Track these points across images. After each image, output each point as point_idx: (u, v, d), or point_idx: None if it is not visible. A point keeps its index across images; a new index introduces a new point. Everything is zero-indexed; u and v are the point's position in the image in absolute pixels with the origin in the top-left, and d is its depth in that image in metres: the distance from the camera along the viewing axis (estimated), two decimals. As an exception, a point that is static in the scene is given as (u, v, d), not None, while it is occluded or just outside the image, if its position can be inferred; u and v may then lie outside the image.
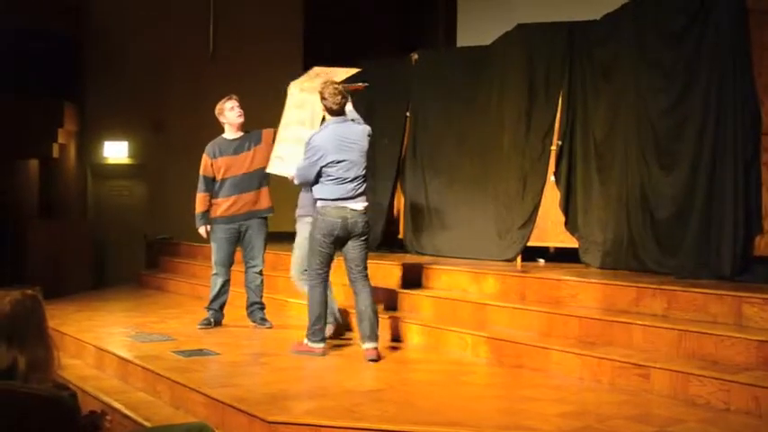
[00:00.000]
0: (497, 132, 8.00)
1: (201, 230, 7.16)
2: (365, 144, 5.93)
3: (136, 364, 5.84)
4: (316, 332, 5.93)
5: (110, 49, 12.20)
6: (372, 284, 7.24)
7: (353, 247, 5.90)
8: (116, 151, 12.56)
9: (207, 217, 7.13)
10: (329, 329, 6.36)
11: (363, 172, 5.88)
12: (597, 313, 5.78)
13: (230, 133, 7.14)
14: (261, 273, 7.19)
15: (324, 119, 6.11)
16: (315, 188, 5.89)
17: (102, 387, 5.81)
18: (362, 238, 5.90)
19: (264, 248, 7.17)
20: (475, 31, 9.75)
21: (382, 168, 9.26)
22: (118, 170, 12.67)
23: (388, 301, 7.12)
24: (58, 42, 11.68)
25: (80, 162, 12.46)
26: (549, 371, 5.46)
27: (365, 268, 5.97)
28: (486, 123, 8.16)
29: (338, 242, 5.86)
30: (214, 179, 7.10)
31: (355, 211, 5.82)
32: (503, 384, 5.27)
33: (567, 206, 7.41)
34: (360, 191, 5.86)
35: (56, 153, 11.62)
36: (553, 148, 7.49)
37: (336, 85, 5.93)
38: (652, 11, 6.77)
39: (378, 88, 9.41)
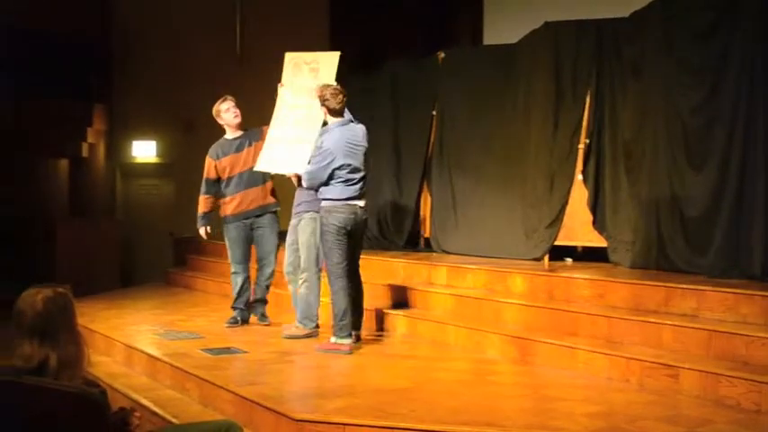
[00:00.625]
0: (524, 131, 7.96)
1: (202, 231, 7.23)
2: (366, 144, 6.16)
3: (164, 362, 5.87)
4: (342, 327, 5.99)
5: (138, 49, 12.29)
6: (397, 283, 7.28)
7: (357, 243, 6.18)
8: (144, 150, 12.64)
9: (208, 218, 7.20)
10: (291, 330, 6.49)
11: (365, 172, 6.15)
12: (626, 313, 5.73)
13: (230, 133, 7.20)
14: (272, 273, 7.22)
15: (325, 121, 6.23)
16: (323, 189, 6.06)
17: (131, 384, 5.85)
18: (362, 235, 6.26)
19: (278, 247, 7.19)
20: (502, 30, 9.70)
21: (408, 168, 9.28)
22: (146, 169, 12.74)
23: (414, 299, 7.12)
24: (87, 43, 11.78)
25: (109, 161, 12.56)
26: (577, 370, 5.42)
27: (358, 263, 6.28)
28: (513, 122, 8.12)
29: (348, 237, 6.05)
30: (218, 180, 7.15)
31: (362, 208, 6.11)
32: (529, 384, 5.24)
33: (595, 205, 7.35)
34: (364, 190, 6.13)
35: (85, 152, 11.73)
36: (581, 146, 7.44)
37: (336, 85, 6.13)
38: (680, 7, 6.69)
39: (404, 87, 9.48)
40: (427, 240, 9.08)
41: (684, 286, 5.69)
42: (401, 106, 9.48)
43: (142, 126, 12.41)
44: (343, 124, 6.10)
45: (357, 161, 6.07)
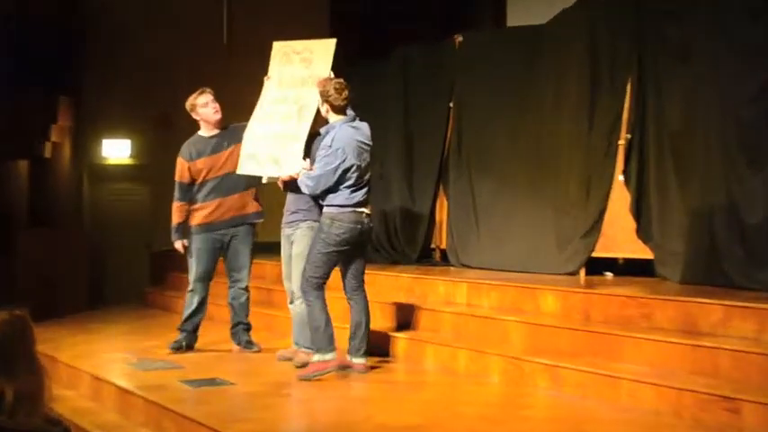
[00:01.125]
0: (556, 126, 7.96)
1: (178, 245, 7.23)
2: (371, 144, 6.26)
3: (138, 396, 5.83)
4: (325, 339, 6.08)
5: (111, 36, 12.28)
6: (409, 302, 7.27)
7: (360, 256, 6.30)
8: (117, 150, 12.64)
9: (183, 230, 7.21)
10: (301, 357, 6.46)
11: (369, 173, 6.27)
12: (676, 336, 5.67)
13: (206, 130, 7.21)
14: (247, 289, 7.26)
15: (325, 120, 6.26)
16: (330, 195, 6.11)
17: (99, 422, 5.81)
18: (367, 246, 6.41)
19: (251, 261, 7.25)
20: (528, 10, 9.71)
21: (421, 169, 9.32)
22: (118, 172, 12.74)
23: (429, 320, 7.12)
24: (52, 29, 11.77)
25: (76, 163, 12.55)
26: (620, 403, 5.37)
27: (363, 279, 6.40)
28: (542, 115, 8.13)
29: (349, 250, 6.18)
30: (192, 184, 7.16)
31: (368, 215, 6.21)
32: (566, 418, 5.19)
33: (639, 210, 7.33)
34: (369, 194, 6.26)
35: (48, 153, 11.70)
36: (621, 143, 7.43)
37: (339, 80, 6.22)
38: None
39: (416, 77, 9.51)
40: (444, 253, 9.10)
41: (744, 305, 5.62)
42: (412, 98, 9.52)
43: (114, 123, 12.40)
44: (350, 121, 6.19)
45: (364, 163, 6.18)
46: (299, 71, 6.86)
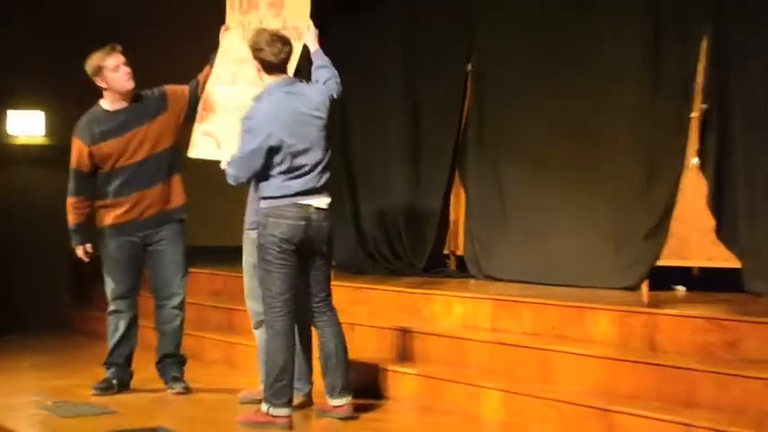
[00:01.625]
0: (610, 93, 7.97)
1: (79, 251, 7.26)
2: (326, 112, 6.29)
3: (54, 451, 5.79)
4: (278, 391, 6.08)
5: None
6: (413, 326, 7.21)
7: (315, 264, 6.31)
8: (26, 126, 12.62)
9: (86, 231, 7.24)
10: (297, 398, 6.48)
11: (326, 155, 6.26)
12: (772, 371, 5.66)
13: (112, 103, 7.19)
14: (181, 307, 7.27)
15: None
16: (261, 184, 6.20)
17: (2, 486, 5.79)
18: (327, 250, 6.36)
19: (186, 268, 7.28)
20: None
21: (430, 152, 9.36)
22: (29, 154, 12.71)
23: (443, 350, 7.15)
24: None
25: (-28, 142, 12.53)
26: (699, 462, 5.36)
27: (330, 293, 6.41)
28: (591, 80, 8.12)
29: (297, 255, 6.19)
30: (94, 174, 7.17)
31: (321, 210, 6.21)
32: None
33: (721, 203, 7.33)
34: (323, 181, 6.23)
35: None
36: (695, 115, 7.43)
37: (275, 31, 6.35)
38: None
39: (424, 29, 9.49)
40: (462, 261, 9.12)
41: None
42: (419, 58, 9.51)
43: (23, 90, 12.37)
44: (287, 85, 6.23)
45: (308, 140, 6.17)
46: (268, 20, 6.88)
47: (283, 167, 6.10)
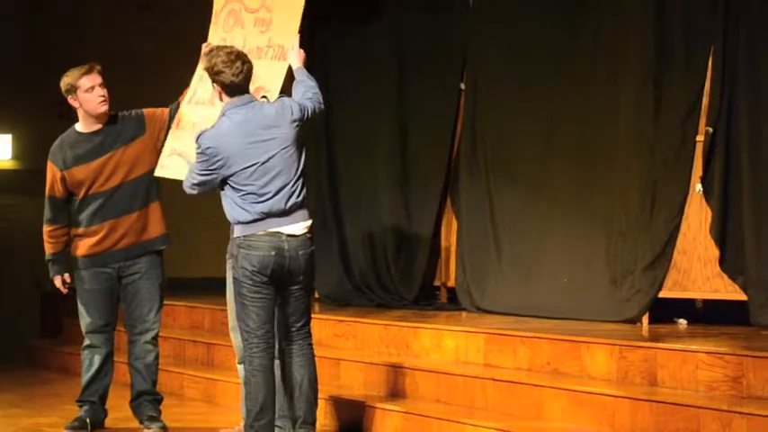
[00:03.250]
0: (609, 115, 7.98)
1: (57, 282, 7.23)
2: (290, 128, 6.11)
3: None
4: (259, 430, 5.99)
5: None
6: (407, 362, 7.21)
7: (293, 295, 6.16)
8: (-7, 149, 12.63)
9: (64, 261, 7.22)
10: None
11: (296, 174, 6.10)
12: (779, 409, 5.65)
13: (86, 125, 7.17)
14: (155, 342, 7.23)
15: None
16: (226, 208, 6.14)
17: None
18: (305, 280, 6.19)
19: (161, 302, 7.26)
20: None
21: (421, 175, 9.35)
22: (-4, 179, 12.72)
23: (433, 389, 7.12)
24: None
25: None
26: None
27: (308, 322, 6.27)
28: (589, 100, 8.14)
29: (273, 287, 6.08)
30: (68, 201, 7.15)
31: (294, 237, 6.05)
32: None
33: (725, 232, 7.33)
34: (295, 202, 6.08)
35: None
36: (700, 139, 7.45)
37: (231, 49, 6.19)
38: None
39: (414, 44, 9.49)
40: (453, 292, 9.12)
41: None
42: (409, 76, 9.53)
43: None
44: (245, 105, 6.11)
45: (270, 153, 6.03)
46: (253, 38, 6.87)
47: (245, 192, 6.01)
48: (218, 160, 5.99)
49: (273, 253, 5.96)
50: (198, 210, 6.85)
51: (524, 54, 8.59)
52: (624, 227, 7.76)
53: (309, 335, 6.27)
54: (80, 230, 7.13)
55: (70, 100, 7.11)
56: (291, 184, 6.05)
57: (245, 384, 6.10)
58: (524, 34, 8.61)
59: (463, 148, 9.01)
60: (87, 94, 7.05)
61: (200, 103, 6.94)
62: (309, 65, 6.57)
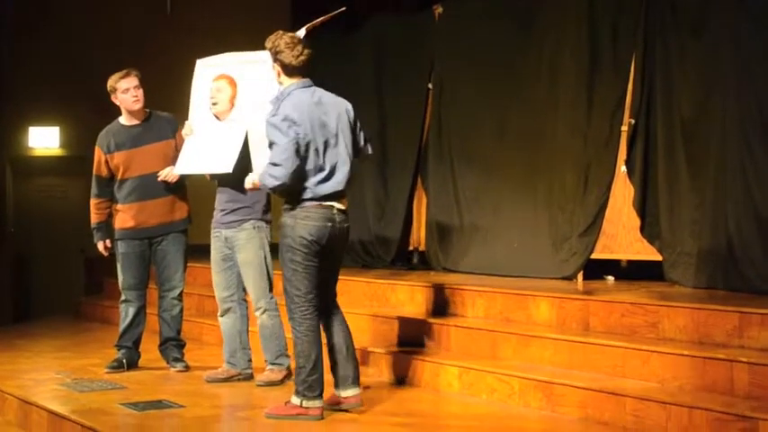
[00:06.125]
0: (550, 109, 8.01)
1: (100, 246, 7.30)
2: (347, 121, 5.75)
3: (73, 421, 5.81)
4: (312, 384, 5.64)
5: (37, 4, 12.16)
6: (383, 312, 7.24)
7: (333, 265, 5.83)
8: (44, 139, 12.55)
9: (106, 229, 7.29)
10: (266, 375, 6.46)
11: (348, 158, 5.70)
12: (687, 348, 5.73)
13: (127, 119, 7.25)
14: (180, 298, 7.32)
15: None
16: (286, 184, 5.57)
17: (28, 451, 5.81)
18: (343, 251, 5.91)
19: (185, 266, 7.32)
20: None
21: (396, 159, 9.34)
22: (47, 164, 12.64)
23: (408, 334, 7.15)
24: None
25: (-4, 154, 12.46)
26: (625, 424, 5.42)
27: (336, 291, 5.96)
28: (534, 98, 8.17)
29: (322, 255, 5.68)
30: (111, 179, 7.22)
31: (342, 213, 5.71)
32: (562, 443, 5.24)
33: (644, 205, 7.40)
34: (346, 182, 5.70)
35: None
36: (624, 129, 7.49)
37: (293, 34, 5.76)
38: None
39: (391, 52, 9.49)
40: (423, 255, 9.13)
41: (763, 312, 5.66)
42: (386, 78, 9.54)
43: (42, 107, 12.29)
44: (308, 87, 5.69)
45: (336, 135, 5.66)
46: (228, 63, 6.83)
47: (311, 168, 5.56)
48: (298, 130, 5.49)
49: (329, 224, 5.59)
50: (208, 187, 6.86)
51: (481, 60, 8.60)
52: (563, 201, 7.82)
53: (336, 302, 5.92)
54: (118, 206, 7.21)
55: (112, 98, 7.18)
56: (344, 164, 5.66)
57: (295, 343, 5.64)
58: (481, 43, 8.62)
59: (431, 137, 9.05)
60: (124, 94, 7.13)
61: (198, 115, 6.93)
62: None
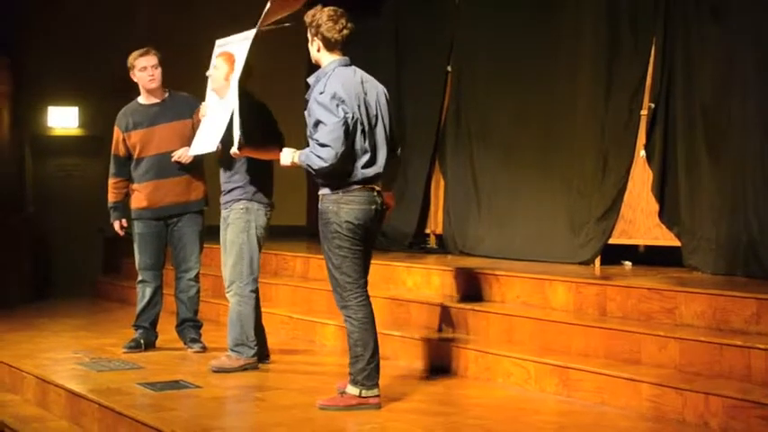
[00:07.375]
0: (569, 93, 8.02)
1: (116, 225, 7.34)
2: (385, 103, 5.58)
3: (91, 401, 5.85)
4: (370, 373, 5.47)
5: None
6: (399, 296, 7.30)
7: (370, 247, 5.66)
8: (64, 119, 12.59)
9: (123, 208, 7.33)
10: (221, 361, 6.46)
11: (385, 140, 5.51)
12: (704, 334, 5.73)
13: (145, 98, 7.26)
14: (196, 279, 7.33)
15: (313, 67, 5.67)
16: (330, 166, 5.31)
17: (46, 430, 5.82)
18: (377, 235, 5.77)
19: (201, 248, 7.33)
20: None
21: (414, 141, 9.34)
22: (66, 144, 12.68)
23: (424, 317, 7.17)
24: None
25: (15, 134, 12.48)
26: (640, 410, 5.43)
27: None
28: (553, 81, 8.17)
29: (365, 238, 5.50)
30: (129, 158, 7.23)
31: (381, 194, 5.51)
32: (579, 427, 5.24)
33: (663, 190, 7.39)
34: (385, 164, 5.51)
35: (-18, 122, 11.65)
36: (644, 113, 7.49)
37: (335, 8, 5.51)
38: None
39: (409, 36, 9.49)
40: (440, 238, 9.15)
41: (782, 298, 5.68)
42: (406, 61, 9.56)
43: (61, 87, 12.32)
44: (348, 65, 5.51)
45: (376, 115, 5.48)
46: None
47: (357, 147, 5.34)
48: (346, 109, 5.28)
49: (373, 207, 5.41)
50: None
51: (501, 42, 8.61)
52: (581, 186, 7.83)
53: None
54: (135, 186, 7.24)
55: (131, 75, 7.20)
56: (383, 147, 5.48)
57: (351, 333, 5.45)
58: (501, 27, 8.63)
59: (449, 120, 9.07)
60: (141, 72, 7.16)
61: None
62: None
